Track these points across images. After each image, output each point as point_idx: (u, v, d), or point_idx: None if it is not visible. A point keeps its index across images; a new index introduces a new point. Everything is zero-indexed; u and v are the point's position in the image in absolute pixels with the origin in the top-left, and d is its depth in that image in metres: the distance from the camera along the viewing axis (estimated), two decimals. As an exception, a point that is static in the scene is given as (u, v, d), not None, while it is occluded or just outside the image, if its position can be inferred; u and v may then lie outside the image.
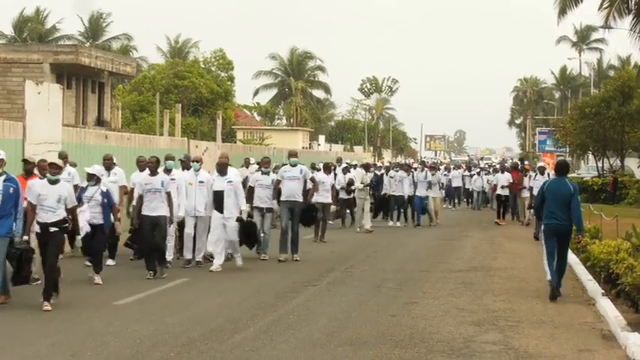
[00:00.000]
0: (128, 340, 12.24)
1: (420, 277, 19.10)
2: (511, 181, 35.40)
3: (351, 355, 11.43)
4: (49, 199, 14.99)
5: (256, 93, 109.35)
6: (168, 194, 18.68)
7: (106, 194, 17.75)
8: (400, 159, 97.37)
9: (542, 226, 17.02)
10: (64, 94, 38.71)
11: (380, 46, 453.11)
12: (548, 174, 28.79)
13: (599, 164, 54.94)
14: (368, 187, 31.38)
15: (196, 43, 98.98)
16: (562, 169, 17.35)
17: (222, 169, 20.15)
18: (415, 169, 39.05)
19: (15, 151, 20.85)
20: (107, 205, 17.57)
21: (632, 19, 41.57)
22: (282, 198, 21.64)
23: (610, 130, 49.88)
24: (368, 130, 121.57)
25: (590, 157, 63.58)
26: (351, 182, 31.54)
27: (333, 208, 29.23)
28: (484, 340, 12.48)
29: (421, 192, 33.16)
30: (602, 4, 43.42)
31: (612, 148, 52.40)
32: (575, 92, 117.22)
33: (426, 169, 34.97)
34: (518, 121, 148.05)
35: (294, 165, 21.95)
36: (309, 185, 22.88)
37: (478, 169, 49.65)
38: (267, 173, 22.24)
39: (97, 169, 18.53)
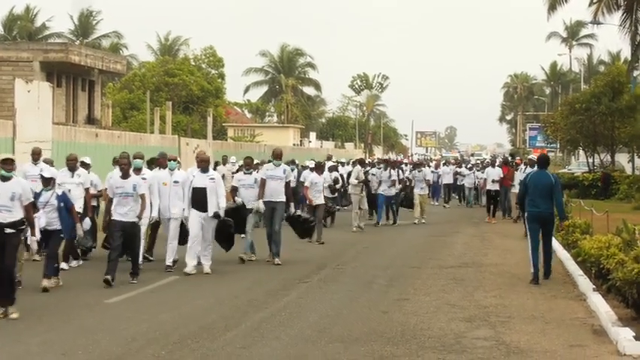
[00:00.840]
0: (119, 339, 12.23)
1: (411, 274, 19.11)
2: (502, 175, 34.66)
3: (343, 352, 11.43)
4: (1, 198, 14.08)
5: (247, 90, 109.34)
6: (142, 197, 17.59)
7: (62, 197, 16.69)
8: (391, 155, 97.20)
9: (526, 214, 18.36)
10: (54, 92, 38.69)
11: (371, 43, 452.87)
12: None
13: (590, 160, 55.00)
14: (362, 185, 30.30)
15: (186, 41, 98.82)
16: (543, 162, 18.88)
17: (203, 165, 19.33)
18: (402, 165, 38.90)
19: (5, 149, 20.89)
20: (64, 208, 16.52)
21: (622, 15, 41.73)
22: (264, 198, 20.72)
23: (600, 125, 49.94)
24: (359, 126, 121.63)
25: (581, 152, 63.69)
26: (336, 181, 30.87)
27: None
28: (475, 336, 12.49)
29: (386, 190, 31.58)
30: (591, 0, 43.55)
31: (602, 143, 52.45)
32: (566, 88, 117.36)
33: (389, 167, 32.55)
34: (508, 117, 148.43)
35: (277, 165, 21.20)
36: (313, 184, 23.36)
37: (470, 165, 49.31)
38: (250, 173, 21.52)
39: (53, 171, 17.75)
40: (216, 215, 18.99)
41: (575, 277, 17.68)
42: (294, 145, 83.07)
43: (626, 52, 58.90)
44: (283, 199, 20.85)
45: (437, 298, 15.73)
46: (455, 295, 16.10)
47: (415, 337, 12.35)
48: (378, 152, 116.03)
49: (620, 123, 49.54)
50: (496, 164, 37.60)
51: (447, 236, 28.26)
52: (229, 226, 19.75)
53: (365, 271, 19.40)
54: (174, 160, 20.28)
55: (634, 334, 11.83)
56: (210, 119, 55.12)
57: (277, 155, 21.47)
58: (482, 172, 40.20)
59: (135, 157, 19.34)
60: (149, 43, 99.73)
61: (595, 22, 50.01)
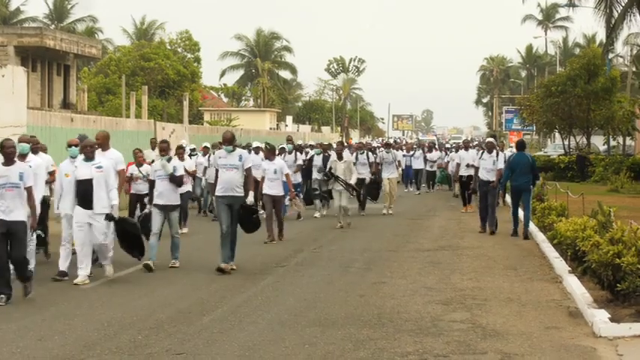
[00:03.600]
0: (95, 324, 12.20)
1: (388, 257, 19.13)
2: (471, 162, 29.82)
3: (320, 336, 11.43)
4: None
5: (223, 74, 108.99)
6: (29, 190, 14.21)
7: None
8: (368, 139, 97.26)
9: (511, 187, 23.47)
10: (29, 77, 38.53)
11: (347, 27, 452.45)
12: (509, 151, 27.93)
13: (566, 142, 55.14)
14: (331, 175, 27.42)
15: (162, 25, 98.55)
16: (521, 145, 23.70)
17: (87, 151, 15.87)
18: (374, 149, 37.08)
19: (-21, 135, 20.71)
20: None
21: (597, -3, 41.71)
22: (218, 192, 17.33)
23: (576, 108, 49.99)
24: (335, 110, 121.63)
25: (557, 135, 63.82)
26: (324, 171, 27.63)
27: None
28: (452, 319, 12.52)
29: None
30: (567, -18, 43.60)
31: (578, 126, 52.54)
32: (542, 71, 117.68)
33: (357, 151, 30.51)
34: (485, 100, 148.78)
35: (230, 150, 17.47)
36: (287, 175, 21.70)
37: (448, 146, 48.06)
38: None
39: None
40: (109, 217, 15.82)
41: (551, 260, 17.74)
42: (270, 129, 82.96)
43: (602, 35, 59.22)
44: (241, 192, 17.27)
45: (413, 282, 15.75)
46: (431, 279, 16.13)
47: (392, 321, 12.36)
48: (355, 136, 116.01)
49: (596, 105, 49.63)
50: (470, 147, 34.34)
51: (424, 219, 28.29)
52: (132, 226, 16.79)
53: (342, 255, 19.40)
54: (77, 145, 16.69)
55: (609, 315, 11.89)
56: (186, 103, 55.01)
57: (227, 140, 17.52)
58: (455, 153, 37.18)
59: (20, 141, 16.36)
60: (124, 27, 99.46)
61: (570, 4, 50.17)
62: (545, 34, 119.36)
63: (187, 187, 23.58)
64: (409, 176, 42.55)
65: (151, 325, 12.15)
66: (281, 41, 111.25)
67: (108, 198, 15.77)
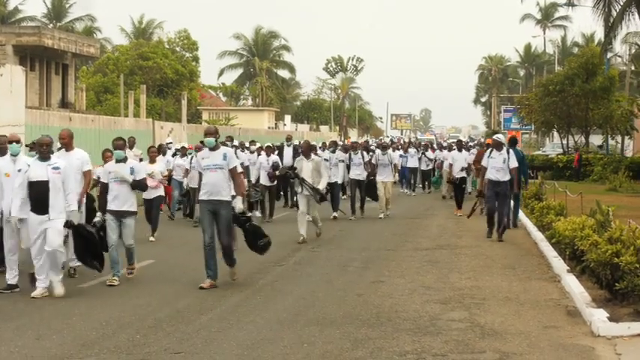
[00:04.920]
0: (94, 323, 12.19)
1: (387, 256, 19.13)
2: (463, 162, 30.34)
3: (318, 335, 11.43)
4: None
5: (221, 73, 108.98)
6: None
7: None
8: (367, 138, 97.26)
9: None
10: (27, 76, 38.49)
11: (346, 26, 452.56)
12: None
13: (564, 141, 55.18)
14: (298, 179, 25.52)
15: (160, 24, 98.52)
16: (513, 142, 24.58)
17: (42, 150, 14.51)
18: (371, 149, 35.52)
19: (-23, 133, 20.68)
20: None
21: (595, -4, 41.70)
22: (201, 197, 15.30)
23: (574, 107, 50.10)
24: (334, 109, 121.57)
25: (555, 134, 63.88)
26: (276, 166, 26.59)
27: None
28: (450, 318, 12.51)
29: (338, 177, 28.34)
30: (565, -18, 43.58)
31: (577, 125, 52.62)
32: (540, 70, 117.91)
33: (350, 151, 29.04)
34: (483, 100, 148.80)
35: (213, 148, 15.40)
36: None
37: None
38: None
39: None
40: (68, 224, 14.47)
41: (550, 259, 17.74)
42: (269, 128, 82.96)
43: (600, 34, 59.16)
44: (228, 197, 15.24)
45: (412, 281, 15.75)
46: (430, 278, 16.12)
47: (390, 320, 12.36)
48: (354, 135, 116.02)
49: (594, 104, 49.73)
50: (464, 148, 32.50)
51: (422, 218, 28.29)
52: (90, 234, 15.05)
53: (340, 254, 19.39)
54: (18, 142, 15.40)
55: (608, 315, 11.88)
56: (184, 102, 55.05)
57: (210, 132, 15.54)
58: (447, 152, 36.08)
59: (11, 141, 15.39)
60: (123, 26, 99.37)
61: (569, 3, 50.22)
62: (544, 34, 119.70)
63: (159, 191, 21.94)
64: (405, 176, 40.82)
65: (149, 324, 12.14)
66: (279, 40, 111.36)
67: (64, 201, 14.35)
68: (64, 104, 57.08)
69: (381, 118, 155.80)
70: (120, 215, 15.69)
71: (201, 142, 17.64)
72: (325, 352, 10.58)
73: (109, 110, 63.46)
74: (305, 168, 21.85)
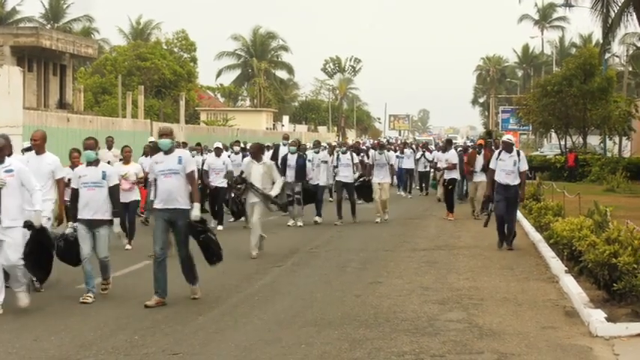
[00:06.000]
0: (92, 324, 12.18)
1: (385, 257, 19.13)
2: (454, 162, 28.72)
3: (316, 336, 11.43)
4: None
5: (219, 74, 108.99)
6: None
7: None
8: (364, 139, 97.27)
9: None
10: (25, 76, 38.47)
11: (344, 27, 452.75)
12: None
13: (562, 142, 55.19)
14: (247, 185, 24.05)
15: (158, 25, 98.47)
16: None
17: None
18: (363, 150, 35.00)
19: (-25, 134, 20.64)
20: None
21: (593, -3, 41.70)
22: (156, 205, 13.92)
23: (572, 107, 50.09)
24: (332, 110, 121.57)
25: (553, 135, 63.89)
26: (229, 175, 23.47)
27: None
28: (448, 319, 12.51)
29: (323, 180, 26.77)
30: (563, -18, 43.61)
31: (574, 125, 52.64)
32: (538, 70, 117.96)
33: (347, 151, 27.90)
34: (481, 100, 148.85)
35: (168, 151, 13.98)
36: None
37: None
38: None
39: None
40: (27, 225, 13.33)
41: (548, 259, 17.75)
42: (267, 128, 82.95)
43: (598, 35, 59.29)
44: (186, 205, 13.82)
45: (410, 281, 15.75)
46: (428, 278, 16.12)
47: (388, 320, 12.36)
48: (352, 135, 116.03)
49: (592, 105, 49.72)
50: (450, 148, 30.47)
51: (420, 219, 28.28)
52: (47, 238, 13.82)
53: (338, 255, 19.39)
54: None
55: (605, 315, 11.88)
56: (182, 103, 55.04)
57: (165, 132, 14.17)
58: (434, 153, 34.84)
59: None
60: (120, 27, 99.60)
61: (567, 4, 50.22)
62: (542, 34, 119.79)
63: (134, 195, 20.49)
64: (401, 177, 39.92)
65: (147, 325, 12.14)
66: (277, 41, 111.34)
67: (21, 208, 13.14)
68: (62, 105, 57.04)
69: (379, 118, 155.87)
70: (93, 225, 14.11)
71: (151, 143, 16.00)
72: (323, 353, 10.57)
73: (107, 111, 63.49)
74: (255, 172, 19.54)
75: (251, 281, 15.85)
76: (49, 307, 13.42)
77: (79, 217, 14.10)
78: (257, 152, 19.96)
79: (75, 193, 14.22)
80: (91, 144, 14.36)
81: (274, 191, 19.42)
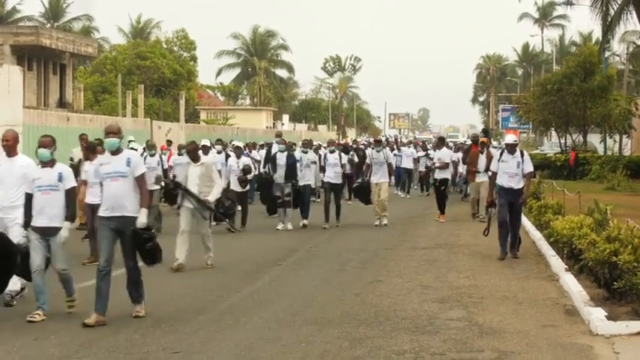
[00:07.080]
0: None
1: (384, 256, 19.12)
2: (447, 161, 28.19)
3: (316, 334, 11.42)
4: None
5: (219, 73, 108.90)
6: None
7: None
8: (365, 137, 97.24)
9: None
10: (25, 75, 38.46)
11: (344, 25, 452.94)
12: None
13: (562, 140, 55.16)
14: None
15: (158, 24, 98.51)
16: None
17: None
18: (352, 149, 34.34)
19: (-25, 133, 20.64)
20: None
21: (593, -5, 41.73)
22: (101, 212, 12.52)
23: (572, 106, 50.03)
24: (332, 108, 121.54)
25: (553, 133, 63.85)
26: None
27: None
28: (448, 317, 12.51)
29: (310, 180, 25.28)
30: (563, -19, 43.58)
31: (575, 124, 52.59)
32: (538, 69, 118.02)
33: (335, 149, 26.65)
34: (481, 99, 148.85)
35: (115, 151, 12.59)
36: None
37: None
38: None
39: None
40: None
41: (548, 258, 17.74)
42: (267, 127, 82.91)
43: (598, 33, 59.27)
44: (134, 212, 12.41)
45: (410, 280, 15.74)
46: (428, 277, 16.12)
47: (388, 319, 12.35)
48: (352, 134, 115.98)
49: (592, 103, 49.67)
50: (446, 146, 30.29)
51: (420, 218, 28.27)
52: (6, 244, 12.69)
53: (338, 254, 19.38)
54: None
55: (606, 313, 11.88)
56: (182, 102, 55.03)
57: (112, 131, 12.62)
58: (433, 152, 33.89)
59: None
60: (120, 26, 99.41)
61: (567, 2, 50.26)
62: (542, 33, 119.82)
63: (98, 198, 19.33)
64: (400, 177, 39.16)
65: (147, 323, 12.14)
66: (277, 39, 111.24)
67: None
68: (62, 104, 57.03)
69: (379, 117, 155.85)
70: (48, 233, 12.63)
71: (97, 140, 14.99)
72: (323, 352, 10.57)
73: (107, 110, 63.47)
74: (192, 174, 17.66)
75: (251, 280, 15.84)
76: (50, 306, 13.39)
77: (32, 224, 12.63)
78: (193, 152, 18.10)
79: (28, 198, 12.73)
80: (47, 142, 12.91)
81: (212, 196, 17.53)
